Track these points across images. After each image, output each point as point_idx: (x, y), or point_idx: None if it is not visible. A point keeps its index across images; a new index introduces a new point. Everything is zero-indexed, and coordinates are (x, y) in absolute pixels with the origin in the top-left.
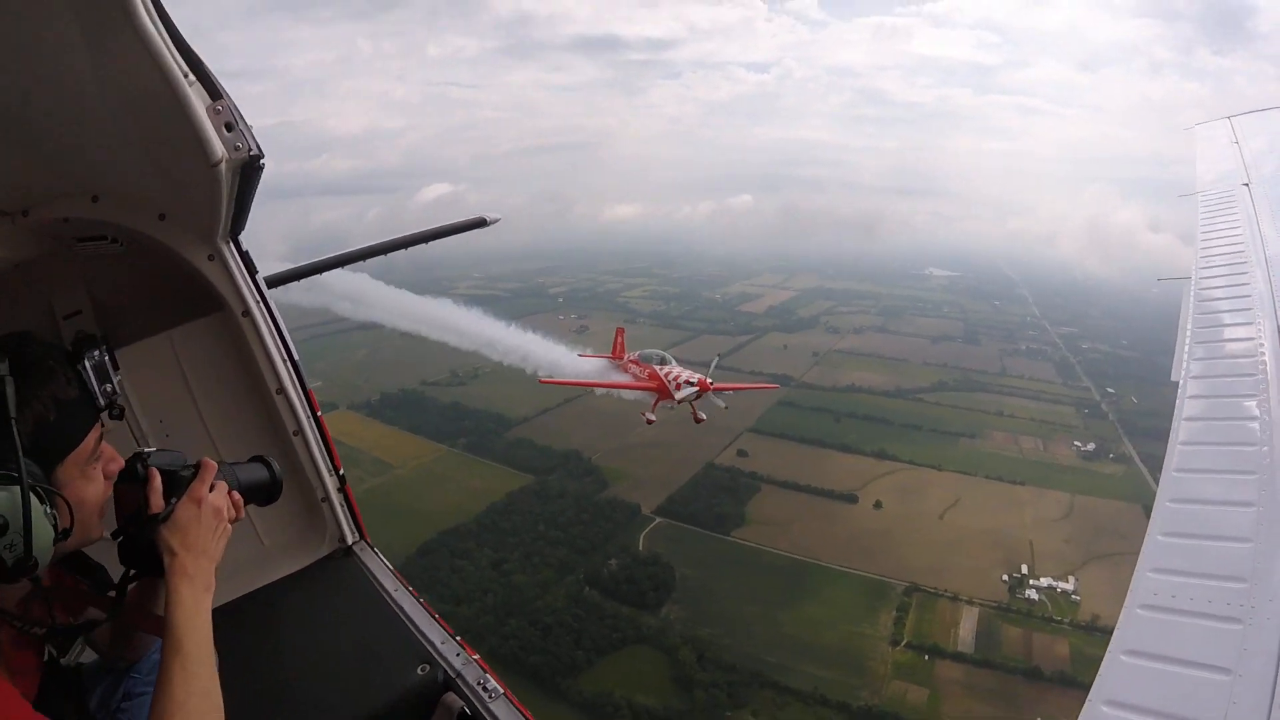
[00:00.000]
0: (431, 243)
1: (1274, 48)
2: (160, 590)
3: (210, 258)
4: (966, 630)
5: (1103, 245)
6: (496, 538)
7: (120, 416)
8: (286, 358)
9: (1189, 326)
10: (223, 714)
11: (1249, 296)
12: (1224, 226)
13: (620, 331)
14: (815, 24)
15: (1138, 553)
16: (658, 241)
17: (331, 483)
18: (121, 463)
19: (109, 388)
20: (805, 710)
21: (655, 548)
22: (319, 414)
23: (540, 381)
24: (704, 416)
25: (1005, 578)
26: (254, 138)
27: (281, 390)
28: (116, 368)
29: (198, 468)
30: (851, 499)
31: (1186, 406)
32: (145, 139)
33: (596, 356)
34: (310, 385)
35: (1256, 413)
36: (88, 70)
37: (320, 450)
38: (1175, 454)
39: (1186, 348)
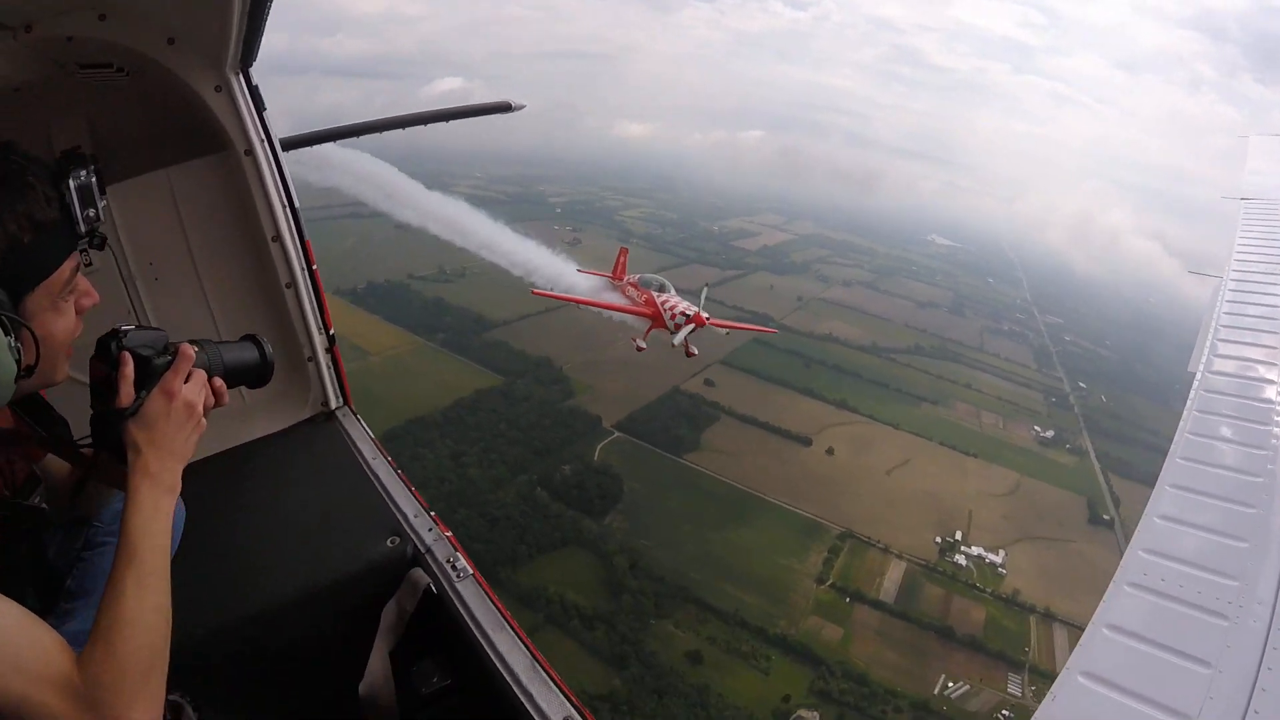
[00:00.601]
0: (444, 127)
1: None
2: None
3: (217, 89)
4: (891, 581)
5: (1103, 247)
6: (459, 431)
7: (101, 246)
8: (286, 204)
9: (1214, 324)
10: (170, 626)
11: (1277, 306)
12: (1264, 235)
13: (623, 252)
14: None
15: (1069, 541)
16: (665, 164)
17: (320, 342)
18: (96, 298)
19: (92, 213)
20: (724, 628)
21: (609, 459)
22: (314, 267)
23: (533, 293)
24: (695, 351)
25: (938, 540)
26: None
27: (278, 238)
28: (103, 192)
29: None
30: (806, 442)
31: (1200, 399)
32: None
33: (596, 274)
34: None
35: (1268, 419)
36: None
37: (312, 306)
38: (1182, 442)
39: (1208, 343)
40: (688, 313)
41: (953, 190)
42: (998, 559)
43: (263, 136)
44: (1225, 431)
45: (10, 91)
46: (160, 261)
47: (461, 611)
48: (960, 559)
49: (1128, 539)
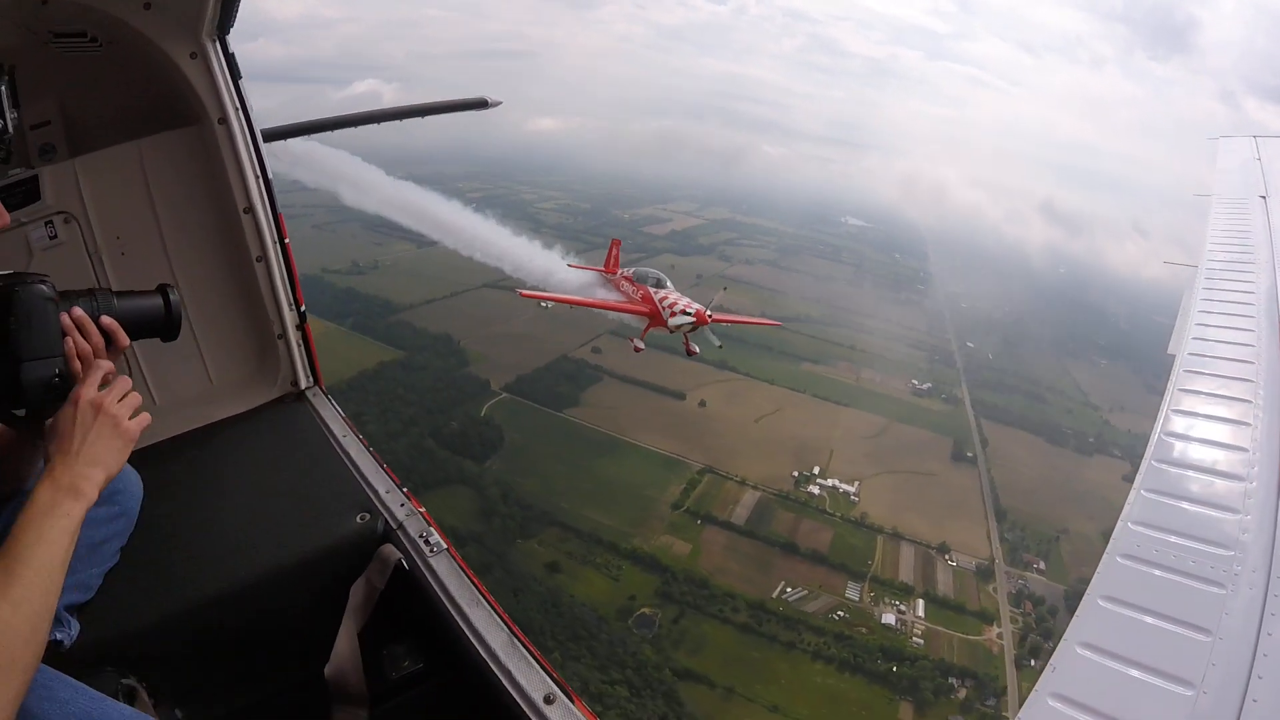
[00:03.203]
0: (358, 129)
1: (1210, 63)
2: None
3: (193, 55)
4: (744, 508)
5: (1015, 221)
6: (360, 397)
7: (6, 160)
8: (259, 175)
9: (1193, 309)
10: (42, 636)
11: (1251, 292)
12: (1236, 227)
13: (615, 244)
14: None
15: (929, 474)
16: (584, 156)
17: (290, 319)
18: (6, 220)
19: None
20: (581, 545)
21: (494, 416)
22: (286, 241)
23: (520, 294)
24: (696, 349)
25: (794, 474)
26: None
27: (250, 210)
28: (17, 105)
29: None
30: (680, 396)
31: (1181, 378)
32: None
33: (587, 268)
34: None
35: (1248, 396)
36: None
37: (283, 281)
38: (1167, 419)
39: (1189, 327)
40: (689, 310)
41: (873, 174)
42: (851, 489)
43: (238, 105)
44: (1206, 408)
45: None
46: (128, 236)
47: (435, 587)
48: (814, 489)
49: (990, 472)
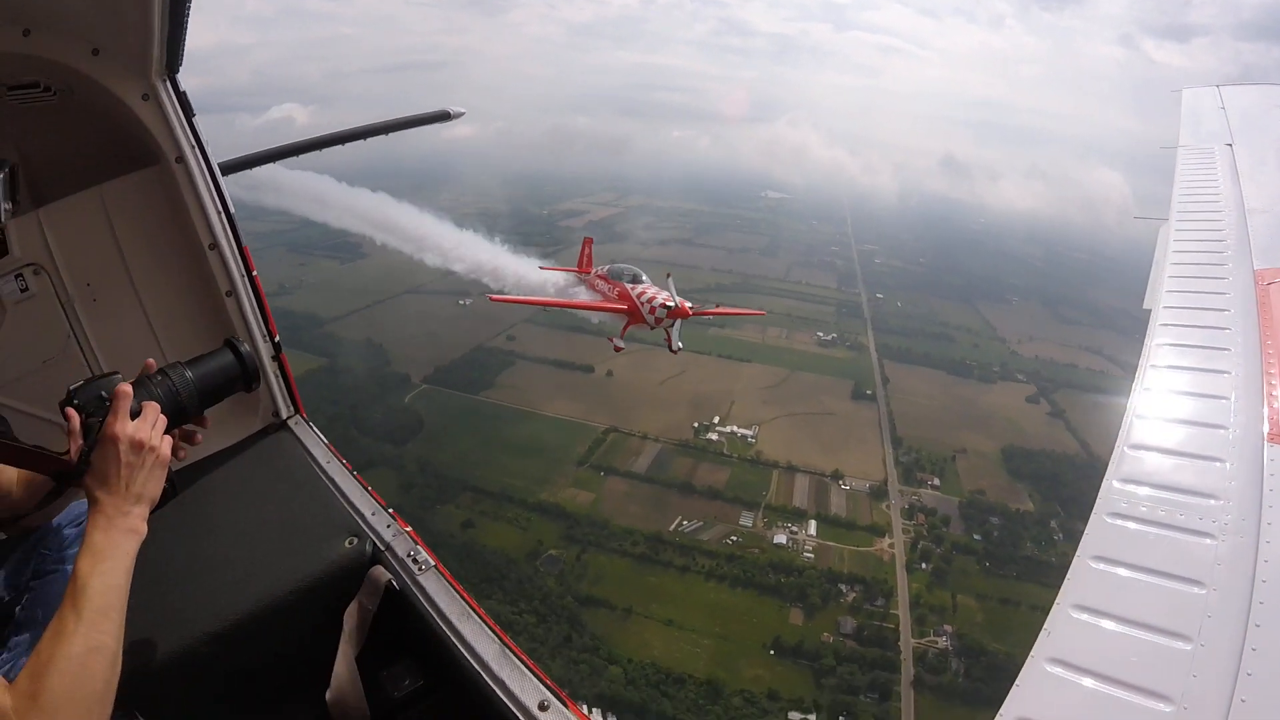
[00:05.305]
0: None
1: (1103, 10)
2: None
3: (145, 97)
4: (645, 459)
5: (930, 178)
6: None
7: (5, 252)
8: (221, 210)
9: (1166, 262)
10: (118, 670)
11: (1223, 241)
12: (1203, 177)
13: (587, 242)
14: None
15: (829, 414)
16: (504, 159)
17: (266, 350)
18: None
19: None
20: (493, 504)
21: (414, 404)
22: (254, 273)
23: (490, 299)
24: (680, 345)
25: (695, 425)
26: None
27: (215, 245)
28: (12, 197)
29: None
30: (588, 369)
31: (1158, 333)
32: None
33: (560, 269)
34: (246, 242)
35: (1224, 345)
36: None
37: (255, 314)
38: (1145, 374)
39: (1164, 281)
40: (669, 304)
41: (792, 149)
42: (749, 432)
43: (193, 142)
44: (1185, 360)
45: None
46: (98, 282)
47: (425, 605)
48: (713, 436)
49: (889, 406)
